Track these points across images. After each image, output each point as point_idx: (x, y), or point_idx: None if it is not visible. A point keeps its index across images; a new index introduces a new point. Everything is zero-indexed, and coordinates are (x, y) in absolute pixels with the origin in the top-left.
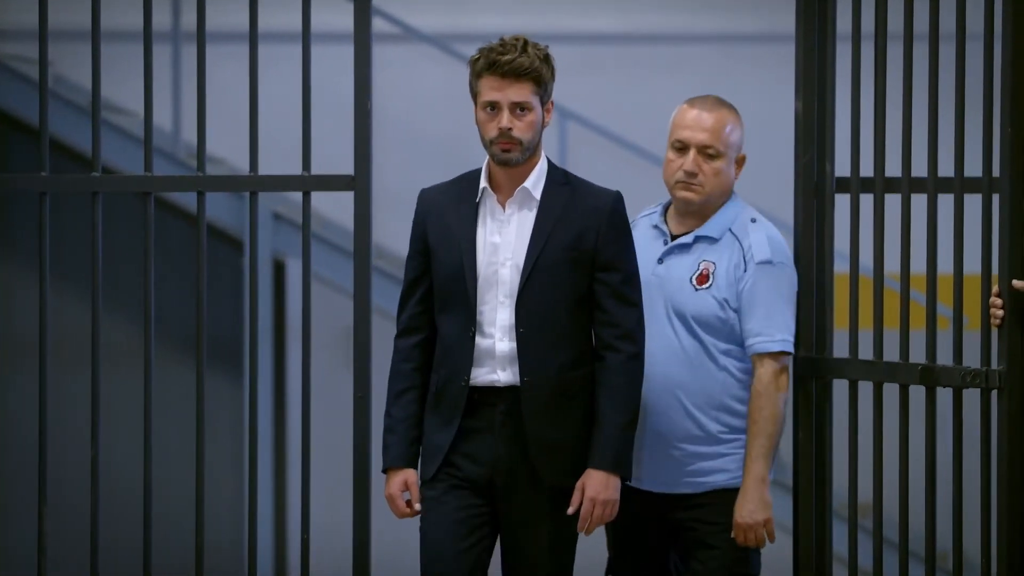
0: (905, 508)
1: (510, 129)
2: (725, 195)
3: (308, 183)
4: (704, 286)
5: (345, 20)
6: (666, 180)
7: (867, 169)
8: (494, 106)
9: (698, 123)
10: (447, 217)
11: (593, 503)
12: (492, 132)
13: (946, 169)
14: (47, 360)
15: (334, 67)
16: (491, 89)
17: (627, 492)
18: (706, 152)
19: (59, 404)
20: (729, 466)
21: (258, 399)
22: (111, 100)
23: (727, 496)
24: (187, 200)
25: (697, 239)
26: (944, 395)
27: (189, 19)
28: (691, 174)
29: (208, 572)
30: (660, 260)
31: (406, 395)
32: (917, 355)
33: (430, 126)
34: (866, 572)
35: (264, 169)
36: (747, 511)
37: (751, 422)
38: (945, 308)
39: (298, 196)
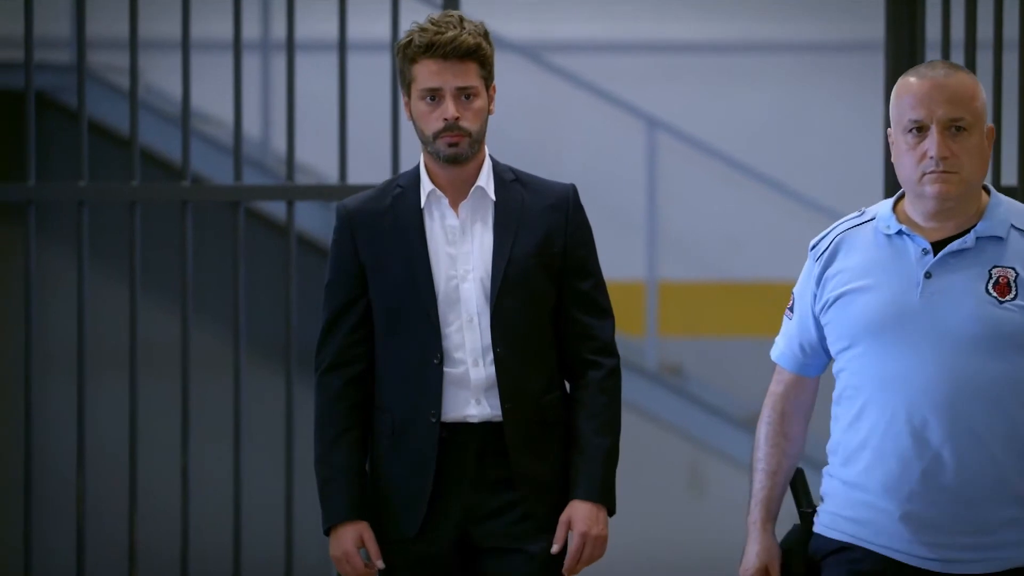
0: None
1: (457, 119)
2: (983, 179)
3: None
4: (1008, 297)
5: None
6: (905, 177)
7: None
8: (435, 94)
9: (936, 93)
10: (384, 231)
11: (584, 539)
12: (435, 124)
13: None
14: (137, 368)
15: None
16: (431, 74)
17: (867, 558)
18: (954, 126)
19: (143, 412)
20: None
21: None
22: (200, 109)
23: None
24: (274, 208)
25: (979, 240)
26: None
27: (278, 28)
28: (941, 159)
29: None
30: (928, 275)
31: (345, 439)
32: None
33: (516, 134)
34: None
35: (353, 178)
36: None
37: None
38: None
39: None
